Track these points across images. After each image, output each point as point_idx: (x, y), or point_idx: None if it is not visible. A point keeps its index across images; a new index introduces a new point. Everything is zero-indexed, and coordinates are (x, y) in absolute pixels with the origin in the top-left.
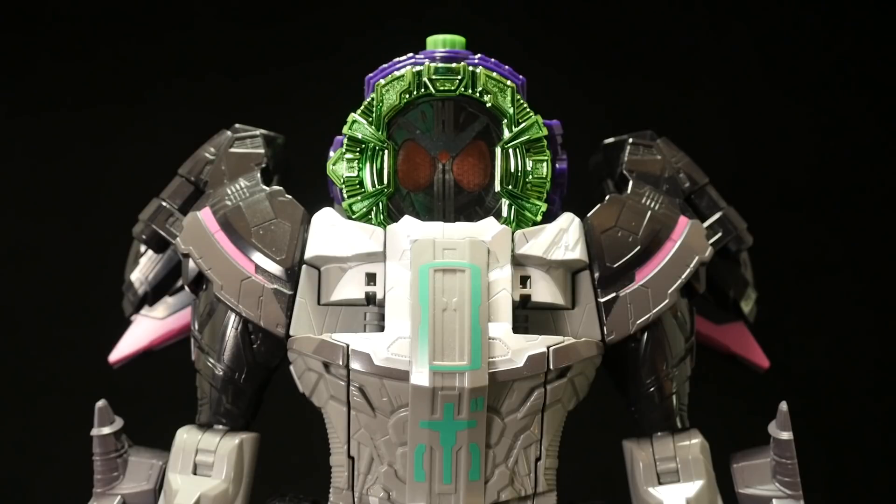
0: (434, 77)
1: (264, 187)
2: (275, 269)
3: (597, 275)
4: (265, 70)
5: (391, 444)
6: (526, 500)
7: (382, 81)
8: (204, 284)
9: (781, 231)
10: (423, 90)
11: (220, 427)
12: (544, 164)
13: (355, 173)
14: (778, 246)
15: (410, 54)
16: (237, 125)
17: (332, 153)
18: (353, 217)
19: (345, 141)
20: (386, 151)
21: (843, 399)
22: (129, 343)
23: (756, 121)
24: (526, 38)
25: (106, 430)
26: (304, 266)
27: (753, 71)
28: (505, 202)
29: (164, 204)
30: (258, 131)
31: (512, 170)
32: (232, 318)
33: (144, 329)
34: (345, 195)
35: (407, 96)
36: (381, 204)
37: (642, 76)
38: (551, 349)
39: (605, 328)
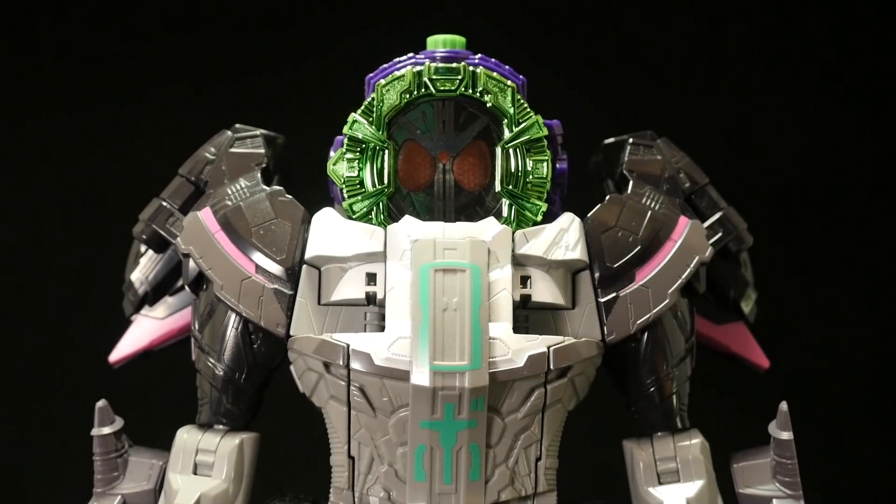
0: (434, 77)
1: (264, 187)
2: (275, 268)
3: (597, 275)
4: (266, 70)
5: (391, 444)
6: (526, 500)
7: (383, 81)
8: (204, 284)
9: (781, 231)
10: (423, 90)
11: (221, 427)
12: (545, 163)
13: (356, 173)
14: (778, 246)
15: (411, 54)
16: (238, 125)
17: (332, 153)
18: (354, 217)
19: (345, 141)
20: (386, 151)
21: (842, 399)
22: (129, 343)
23: (756, 121)
24: (526, 39)
25: (106, 430)
26: (304, 266)
27: (754, 71)
28: (505, 202)
29: (164, 204)
30: (258, 131)
31: (512, 170)
32: (232, 318)
33: (144, 329)
34: (345, 195)
35: (407, 96)
36: (381, 204)
37: (642, 76)
38: (551, 349)
39: (605, 328)
